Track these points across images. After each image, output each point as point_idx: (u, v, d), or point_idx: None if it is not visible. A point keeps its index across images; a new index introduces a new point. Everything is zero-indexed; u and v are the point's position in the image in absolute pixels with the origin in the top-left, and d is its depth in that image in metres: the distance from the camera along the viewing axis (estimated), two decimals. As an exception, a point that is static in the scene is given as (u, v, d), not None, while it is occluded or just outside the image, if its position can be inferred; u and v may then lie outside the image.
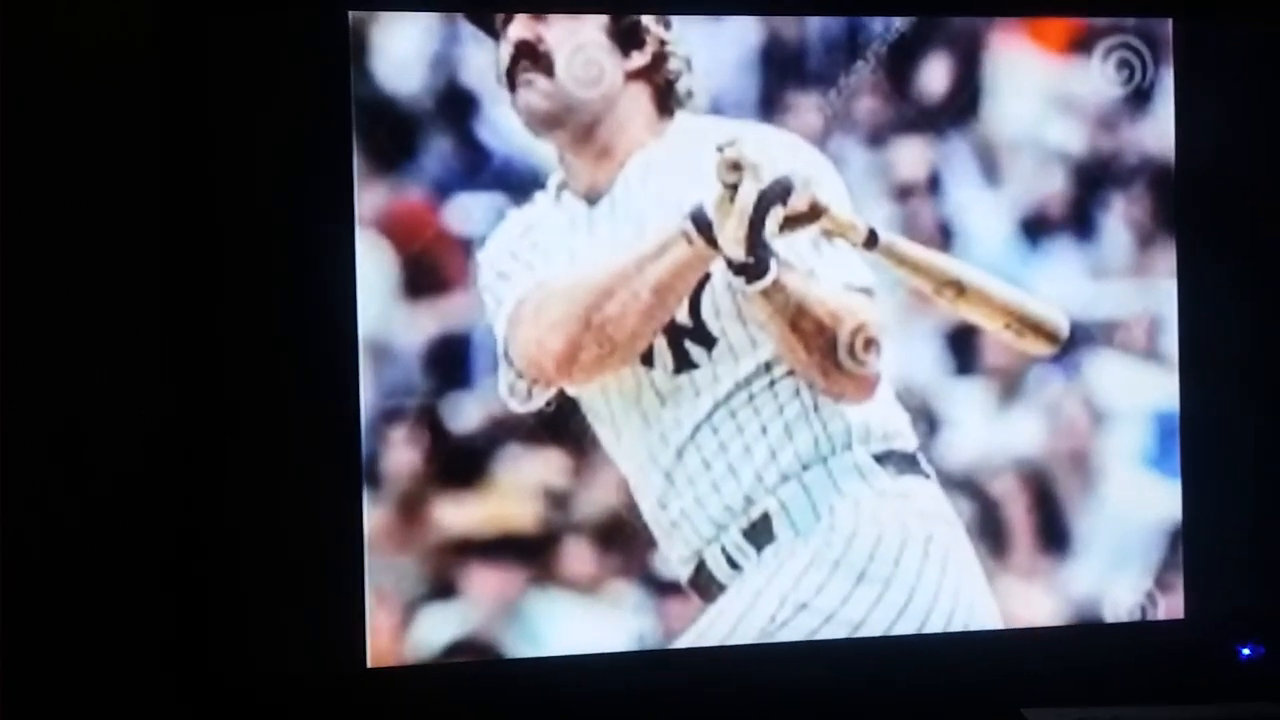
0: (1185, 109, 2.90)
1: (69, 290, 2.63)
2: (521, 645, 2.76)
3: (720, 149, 2.67)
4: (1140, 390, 2.92)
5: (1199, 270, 2.91)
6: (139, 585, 2.64)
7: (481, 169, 2.73)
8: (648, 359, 2.73)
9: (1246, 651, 2.93)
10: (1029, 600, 2.87)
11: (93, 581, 2.63)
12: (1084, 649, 2.87)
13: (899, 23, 2.82)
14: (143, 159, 2.63)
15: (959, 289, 2.76)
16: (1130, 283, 2.91)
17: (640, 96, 2.73)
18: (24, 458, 2.61)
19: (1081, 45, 2.89)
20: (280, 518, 2.67)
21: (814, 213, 2.69)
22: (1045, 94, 2.88)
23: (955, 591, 2.79)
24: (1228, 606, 2.93)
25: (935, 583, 2.78)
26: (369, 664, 2.72)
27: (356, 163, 2.68)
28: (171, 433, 2.64)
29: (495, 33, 2.71)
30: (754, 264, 2.68)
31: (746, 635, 2.77)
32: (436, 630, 2.74)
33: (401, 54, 2.70)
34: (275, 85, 2.66)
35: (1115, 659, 2.87)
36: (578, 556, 2.77)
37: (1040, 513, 2.89)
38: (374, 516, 2.71)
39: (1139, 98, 2.91)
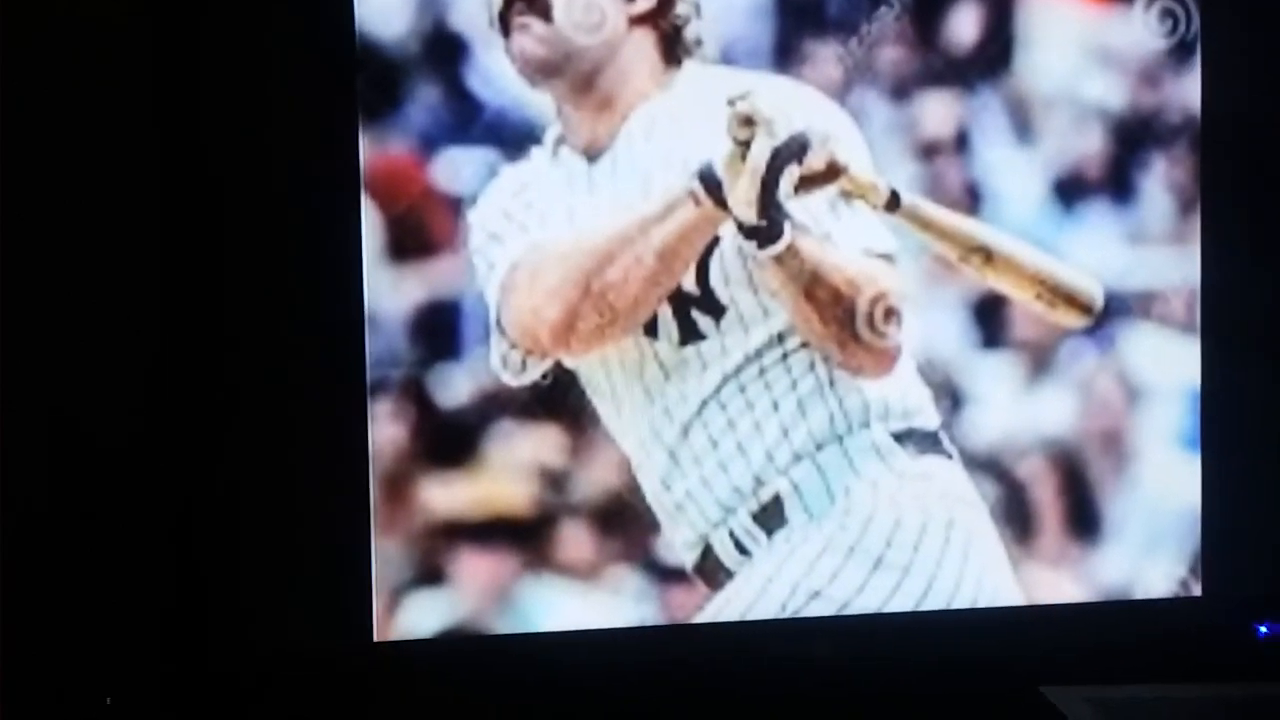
0: (1214, 71, 2.86)
1: (63, 265, 2.60)
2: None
3: (731, 102, 2.59)
4: (1178, 366, 2.88)
5: (1225, 237, 2.88)
6: (143, 563, 2.64)
7: (472, 121, 2.67)
8: (651, 329, 2.67)
9: (1264, 629, 2.93)
10: (1056, 588, 2.84)
11: (95, 561, 2.62)
12: (1101, 627, 2.86)
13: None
14: (136, 123, 2.60)
15: (986, 256, 2.70)
16: (1170, 251, 2.88)
17: (645, 44, 2.67)
18: (21, 432, 2.59)
19: (1122, -7, 2.92)
20: (284, 492, 2.66)
21: (832, 172, 2.63)
22: (1083, 45, 2.82)
23: (978, 579, 2.76)
24: (1245, 585, 2.92)
25: (956, 569, 2.74)
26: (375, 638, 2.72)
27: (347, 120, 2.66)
28: (171, 408, 2.63)
29: (488, -28, 2.71)
30: (767, 227, 2.61)
31: (755, 624, 2.78)
32: (424, 618, 2.70)
33: (385, -6, 2.69)
34: (272, 45, 2.64)
35: (1133, 637, 2.86)
36: (575, 541, 2.72)
37: (1070, 496, 2.85)
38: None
39: (1183, 50, 2.87)
